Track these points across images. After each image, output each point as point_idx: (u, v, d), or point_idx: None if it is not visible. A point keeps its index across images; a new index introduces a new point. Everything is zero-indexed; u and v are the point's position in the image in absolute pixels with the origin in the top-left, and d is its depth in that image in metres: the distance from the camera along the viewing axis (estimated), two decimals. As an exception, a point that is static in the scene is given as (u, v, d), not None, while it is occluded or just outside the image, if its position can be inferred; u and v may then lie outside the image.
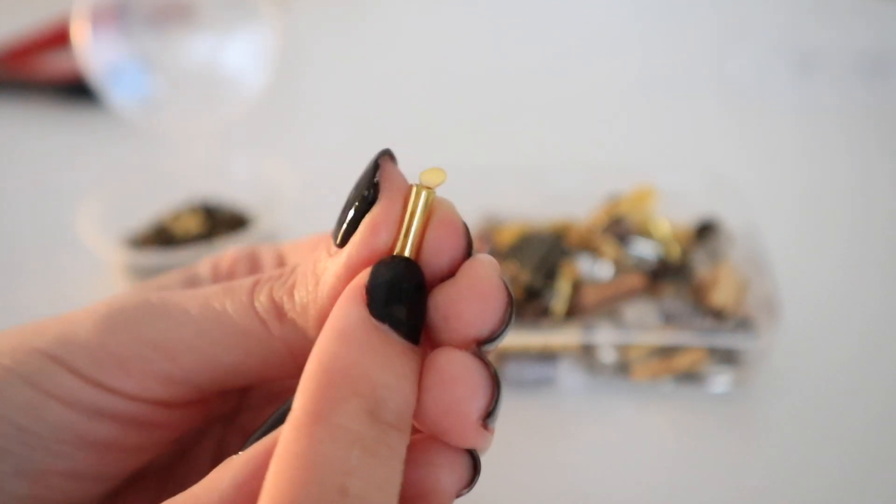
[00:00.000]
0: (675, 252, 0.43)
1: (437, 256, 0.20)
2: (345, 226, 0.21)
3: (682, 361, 0.38)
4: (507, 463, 0.36)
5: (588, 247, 0.43)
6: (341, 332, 0.19)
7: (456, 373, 0.19)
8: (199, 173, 0.53)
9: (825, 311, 0.43)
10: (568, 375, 0.39)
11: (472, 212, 0.46)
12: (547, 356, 0.39)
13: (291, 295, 0.22)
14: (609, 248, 0.42)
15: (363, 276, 0.20)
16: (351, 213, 0.21)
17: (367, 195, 0.20)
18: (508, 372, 0.39)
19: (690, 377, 0.39)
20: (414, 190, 0.20)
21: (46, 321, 0.23)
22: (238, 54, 0.59)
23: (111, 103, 0.56)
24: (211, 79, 0.60)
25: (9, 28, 0.68)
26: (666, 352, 0.39)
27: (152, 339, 0.22)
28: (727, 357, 0.38)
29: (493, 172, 0.47)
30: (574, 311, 0.40)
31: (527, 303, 0.40)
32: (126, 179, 0.51)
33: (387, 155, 0.21)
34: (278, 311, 0.22)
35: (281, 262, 0.26)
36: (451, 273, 0.20)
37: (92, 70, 0.56)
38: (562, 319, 0.39)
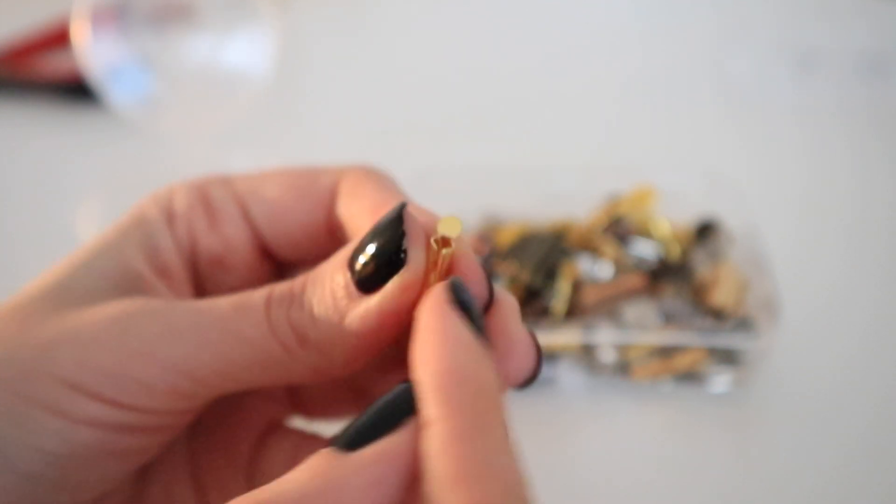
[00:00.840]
0: (675, 252, 0.43)
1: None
2: (370, 276, 0.22)
3: (682, 361, 0.38)
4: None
5: (588, 247, 0.43)
6: (466, 346, 0.20)
7: None
8: (199, 173, 0.52)
9: (825, 311, 0.43)
10: (568, 375, 0.39)
11: (472, 212, 0.46)
12: (547, 356, 0.39)
13: (314, 324, 0.23)
14: (609, 248, 0.42)
15: (446, 292, 0.21)
16: (373, 265, 0.22)
17: (393, 256, 0.22)
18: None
19: (690, 377, 0.39)
20: (433, 242, 0.22)
21: (46, 332, 0.23)
22: (238, 54, 0.59)
23: (111, 103, 0.56)
24: (211, 78, 0.60)
25: (9, 28, 0.68)
26: (666, 352, 0.39)
27: (174, 364, 0.22)
28: (727, 357, 0.39)
29: (493, 172, 0.47)
30: (574, 311, 0.40)
31: (527, 303, 0.40)
32: (126, 179, 0.51)
33: (407, 210, 0.22)
34: (299, 338, 0.23)
35: (241, 206, 0.27)
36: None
37: (92, 70, 0.56)
38: (562, 319, 0.39)
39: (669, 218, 0.44)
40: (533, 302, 0.40)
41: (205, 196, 0.27)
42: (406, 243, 0.22)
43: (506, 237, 0.43)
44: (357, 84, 0.68)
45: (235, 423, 0.27)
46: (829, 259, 0.47)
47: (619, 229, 0.43)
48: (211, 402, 0.25)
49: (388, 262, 0.22)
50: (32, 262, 0.51)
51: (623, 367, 0.39)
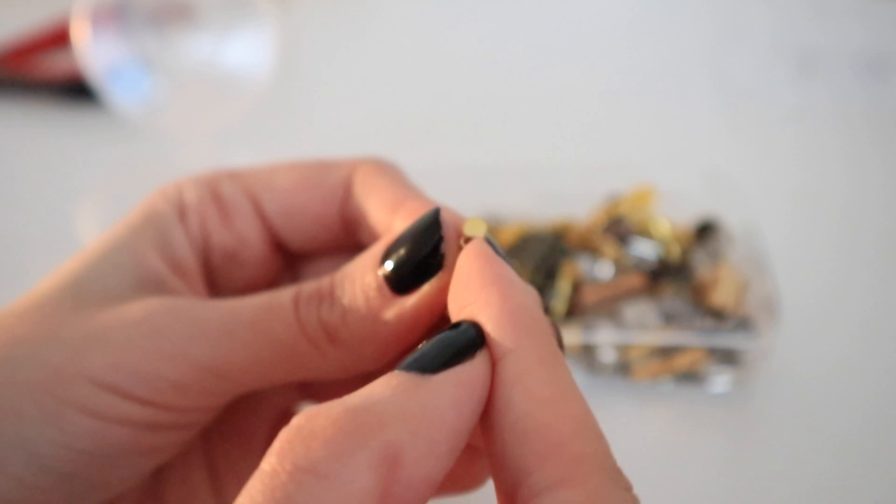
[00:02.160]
0: (675, 252, 0.43)
1: None
2: (405, 277, 0.23)
3: (682, 361, 0.38)
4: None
5: (588, 247, 0.43)
6: (523, 288, 0.21)
7: None
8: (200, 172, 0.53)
9: (824, 311, 0.43)
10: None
11: (472, 212, 0.46)
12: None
13: (345, 323, 0.23)
14: (609, 248, 0.42)
15: (488, 245, 0.22)
16: (410, 267, 0.23)
17: (430, 259, 0.23)
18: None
19: (690, 377, 0.39)
20: (461, 242, 0.23)
21: (78, 332, 0.23)
22: (238, 54, 0.59)
23: (111, 103, 0.56)
24: (212, 78, 0.60)
25: (9, 28, 0.68)
26: (666, 352, 0.39)
27: (206, 364, 0.23)
28: (727, 357, 0.39)
29: (493, 172, 0.47)
30: (574, 311, 0.40)
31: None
32: (127, 179, 0.51)
33: (443, 216, 0.23)
34: (330, 336, 0.23)
35: (253, 201, 0.27)
36: None
37: (92, 70, 0.56)
38: (562, 319, 0.39)
39: (669, 218, 0.45)
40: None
41: (215, 191, 0.27)
42: (444, 248, 0.22)
43: (506, 237, 0.43)
44: (357, 84, 0.68)
45: (249, 415, 0.28)
46: (829, 258, 0.48)
47: (619, 229, 0.43)
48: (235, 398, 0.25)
49: (424, 264, 0.22)
50: (33, 261, 0.51)
51: (623, 367, 0.39)
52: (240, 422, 0.28)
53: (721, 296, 0.40)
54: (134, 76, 0.59)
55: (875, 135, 0.59)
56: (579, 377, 0.40)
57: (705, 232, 0.44)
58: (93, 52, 0.55)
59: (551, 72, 0.68)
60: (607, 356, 0.39)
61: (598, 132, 0.60)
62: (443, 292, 0.22)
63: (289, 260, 0.28)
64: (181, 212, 0.26)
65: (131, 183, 0.51)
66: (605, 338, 0.38)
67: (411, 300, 0.23)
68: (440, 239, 0.23)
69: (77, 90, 0.60)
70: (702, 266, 0.42)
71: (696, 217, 0.45)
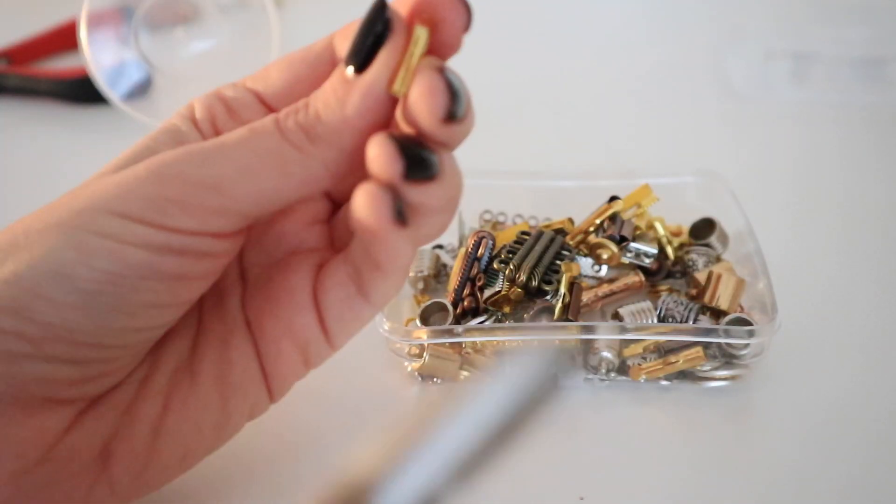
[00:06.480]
0: (674, 252, 0.43)
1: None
2: (363, 55, 0.26)
3: (680, 360, 0.39)
4: (506, 461, 0.36)
5: (587, 247, 0.43)
6: None
7: None
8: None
9: (821, 310, 0.44)
10: (566, 374, 0.40)
11: (472, 212, 0.47)
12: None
13: (319, 119, 0.27)
14: (608, 248, 0.42)
15: None
16: (362, 40, 0.26)
17: (379, 30, 0.26)
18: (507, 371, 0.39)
19: (688, 375, 0.39)
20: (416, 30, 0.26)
21: (92, 187, 0.27)
22: (239, 54, 0.60)
23: (115, 103, 0.57)
24: (213, 78, 0.60)
25: (15, 29, 0.69)
26: (664, 351, 0.39)
27: (201, 181, 0.26)
28: (724, 355, 0.39)
29: (494, 173, 0.48)
30: (573, 311, 0.40)
31: (526, 303, 0.41)
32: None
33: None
34: (308, 135, 0.27)
35: (254, 93, 0.31)
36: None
37: (96, 70, 0.56)
38: (561, 319, 0.40)
39: (667, 218, 0.45)
40: (532, 302, 0.41)
41: (220, 94, 0.31)
42: (390, 14, 0.26)
43: (506, 237, 0.44)
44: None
45: (289, 276, 0.30)
46: (825, 258, 0.48)
47: (617, 229, 0.43)
48: (247, 225, 0.28)
49: (374, 37, 0.26)
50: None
51: (621, 367, 0.40)
52: (282, 286, 0.30)
53: (718, 295, 0.40)
54: (137, 76, 0.59)
55: (872, 136, 0.59)
56: (578, 376, 0.40)
57: (702, 232, 0.45)
58: (97, 51, 0.56)
59: (549, 73, 0.68)
60: (606, 355, 0.39)
61: (597, 132, 0.61)
62: (395, 60, 0.26)
63: None
64: (193, 119, 0.30)
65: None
66: (604, 337, 0.39)
67: (371, 71, 0.26)
68: (383, 6, 0.26)
69: (82, 90, 0.61)
70: (699, 265, 0.43)
71: (695, 217, 0.45)
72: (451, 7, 0.27)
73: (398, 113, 0.27)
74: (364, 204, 0.26)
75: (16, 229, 0.27)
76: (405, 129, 0.27)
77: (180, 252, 0.26)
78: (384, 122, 0.27)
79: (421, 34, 0.26)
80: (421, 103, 0.26)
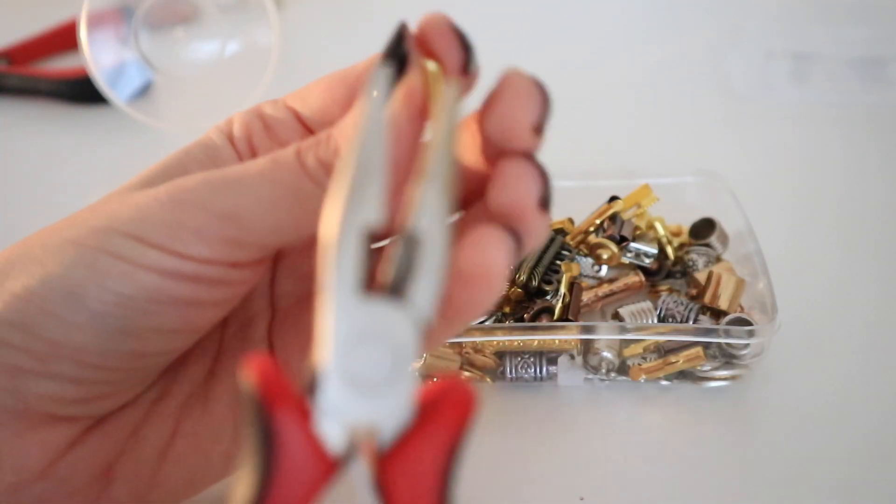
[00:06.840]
0: (674, 252, 0.44)
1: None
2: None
3: (680, 360, 0.39)
4: (506, 460, 0.36)
5: (587, 247, 0.43)
6: None
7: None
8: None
9: (821, 310, 0.44)
10: (566, 374, 0.40)
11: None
12: (546, 355, 0.40)
13: (338, 153, 0.26)
14: (608, 248, 0.42)
15: None
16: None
17: (400, 60, 0.25)
18: (507, 371, 0.39)
19: (688, 375, 0.39)
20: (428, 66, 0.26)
21: (112, 205, 0.27)
22: (240, 54, 0.60)
23: (115, 103, 0.57)
24: (214, 78, 0.60)
25: (16, 29, 0.69)
26: (664, 351, 0.39)
27: (220, 211, 0.25)
28: (724, 355, 0.39)
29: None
30: (573, 311, 0.40)
31: (526, 303, 0.41)
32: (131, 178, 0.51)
33: (404, 25, 0.26)
34: (328, 170, 0.26)
35: (293, 112, 0.30)
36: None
37: (96, 70, 0.56)
38: (561, 319, 0.40)
39: (667, 218, 0.45)
40: (532, 302, 0.41)
41: (259, 111, 0.31)
42: (407, 46, 0.26)
43: (506, 237, 0.44)
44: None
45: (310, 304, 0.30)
46: (825, 258, 0.48)
47: (618, 229, 0.44)
48: (267, 256, 0.27)
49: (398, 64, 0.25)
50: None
51: (621, 367, 0.40)
52: (309, 318, 0.29)
53: (718, 295, 0.40)
54: (137, 76, 0.59)
55: (872, 136, 0.59)
56: (578, 376, 0.40)
57: (702, 232, 0.45)
58: (97, 52, 0.56)
59: (548, 73, 0.68)
60: (606, 355, 0.39)
61: (597, 132, 0.61)
62: (413, 96, 0.25)
63: None
64: (230, 134, 0.30)
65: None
66: (604, 337, 0.39)
67: (392, 104, 0.25)
68: (400, 38, 0.25)
69: (82, 90, 0.61)
70: (699, 265, 0.43)
71: (695, 217, 0.45)
72: (448, 46, 0.27)
73: (467, 138, 0.28)
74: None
75: (33, 241, 0.26)
76: (471, 158, 0.27)
77: (194, 279, 0.26)
78: (406, 154, 0.26)
79: (432, 67, 0.26)
80: (517, 110, 0.27)
